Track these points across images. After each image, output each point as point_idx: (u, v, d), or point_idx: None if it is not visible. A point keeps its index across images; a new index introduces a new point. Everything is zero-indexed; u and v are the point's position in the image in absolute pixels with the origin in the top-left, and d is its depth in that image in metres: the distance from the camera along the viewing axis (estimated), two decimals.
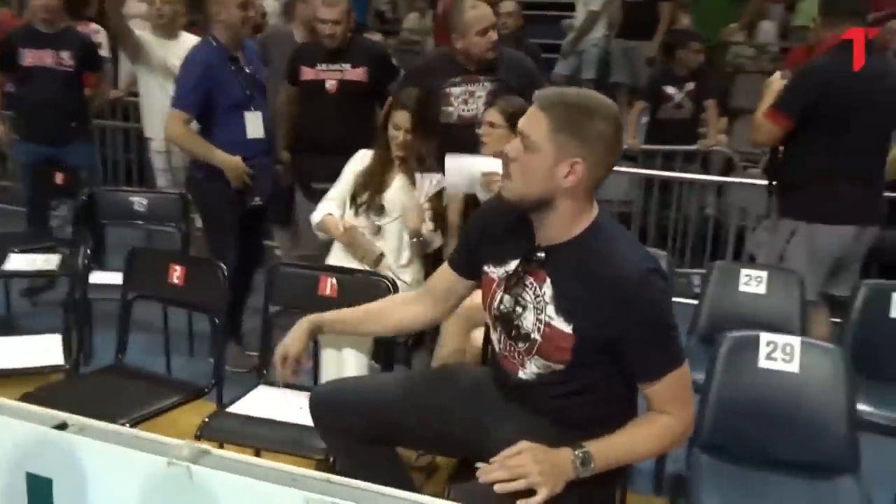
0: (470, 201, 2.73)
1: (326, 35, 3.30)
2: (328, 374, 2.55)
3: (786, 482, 1.87)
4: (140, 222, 3.40)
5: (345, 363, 2.51)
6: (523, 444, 1.52)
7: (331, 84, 3.35)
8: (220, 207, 3.10)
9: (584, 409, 1.63)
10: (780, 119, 2.82)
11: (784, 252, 2.86)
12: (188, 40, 3.67)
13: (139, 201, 3.33)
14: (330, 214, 2.83)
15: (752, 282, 2.69)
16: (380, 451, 1.83)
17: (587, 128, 1.50)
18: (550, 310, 1.57)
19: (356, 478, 1.72)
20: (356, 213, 2.80)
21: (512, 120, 2.60)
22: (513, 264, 1.65)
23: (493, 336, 1.77)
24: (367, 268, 2.71)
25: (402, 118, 2.75)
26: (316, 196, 3.32)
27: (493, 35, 2.97)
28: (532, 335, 1.60)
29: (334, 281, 2.30)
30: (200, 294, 2.31)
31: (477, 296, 2.08)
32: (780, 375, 1.97)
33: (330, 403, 1.82)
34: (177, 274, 2.31)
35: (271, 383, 2.32)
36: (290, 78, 3.45)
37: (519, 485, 1.45)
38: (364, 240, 2.76)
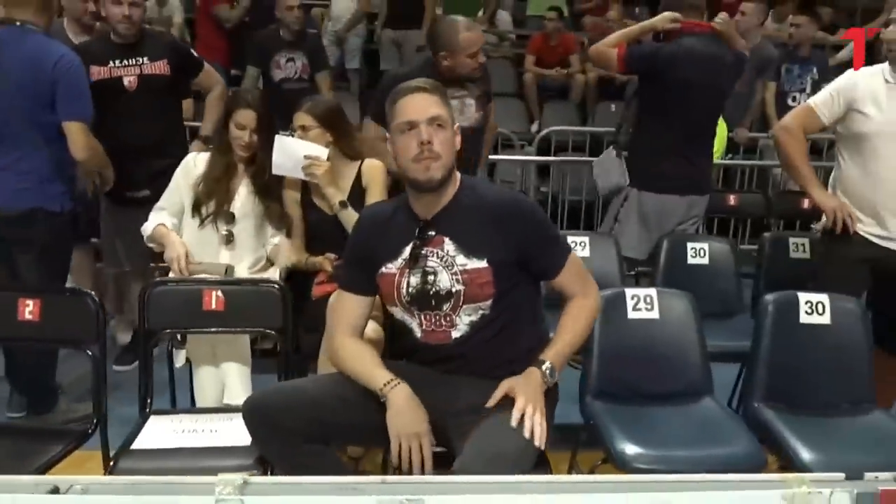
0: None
1: (120, 21, 3.02)
2: (208, 391, 2.43)
3: (666, 410, 2.21)
4: None
5: (227, 376, 2.41)
6: (507, 383, 1.76)
7: (129, 80, 3.08)
8: (67, 241, 2.77)
9: (515, 344, 1.86)
10: (621, 62, 3.14)
11: (618, 215, 3.26)
12: None
13: None
14: (162, 225, 2.64)
15: (578, 247, 3.04)
16: (318, 452, 1.82)
17: (445, 95, 1.86)
18: (461, 259, 1.81)
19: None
20: (201, 223, 2.63)
21: (322, 120, 2.68)
22: (407, 249, 1.84)
23: (412, 324, 1.88)
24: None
25: (246, 117, 2.64)
26: (130, 204, 3.07)
27: (482, 58, 2.96)
28: (454, 289, 1.81)
29: (219, 294, 2.18)
30: (66, 328, 2.05)
31: None
32: (646, 323, 2.31)
33: (267, 408, 1.78)
34: (29, 309, 2.03)
35: (160, 413, 2.15)
36: None
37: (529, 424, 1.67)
38: (205, 266, 2.57)
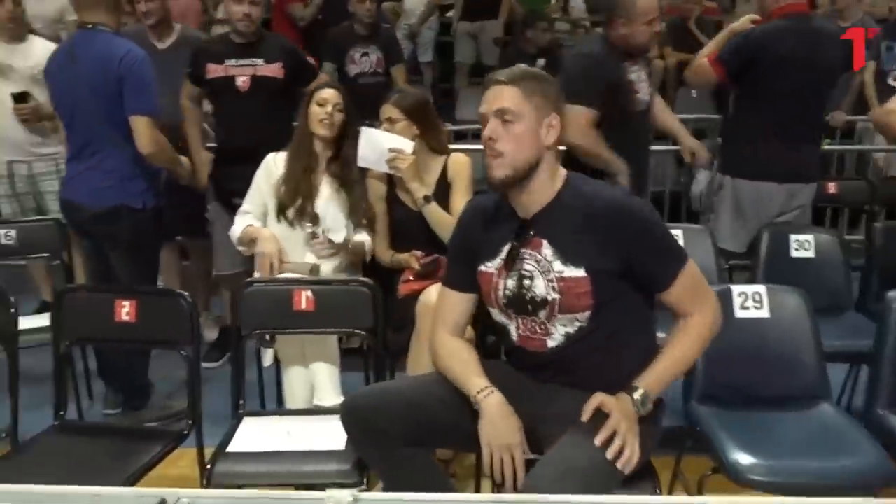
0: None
1: (240, 20, 3.02)
2: (298, 391, 2.41)
3: (779, 416, 2.06)
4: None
5: (317, 377, 2.38)
6: (600, 396, 1.63)
7: (242, 80, 3.07)
8: (153, 236, 2.80)
9: (617, 359, 1.72)
10: (716, 67, 2.99)
11: (714, 205, 3.10)
12: (37, 43, 3.23)
13: (6, 233, 2.87)
14: (250, 226, 2.63)
15: None
16: (415, 455, 1.77)
17: (548, 89, 1.71)
18: (558, 265, 1.68)
19: (396, 487, 1.68)
20: (290, 226, 2.59)
21: (409, 112, 2.61)
22: (506, 249, 1.74)
23: (510, 326, 1.79)
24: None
25: (328, 94, 2.61)
26: (235, 209, 3.06)
27: (657, 26, 2.89)
28: (549, 297, 1.69)
29: (310, 294, 2.14)
30: (162, 329, 2.05)
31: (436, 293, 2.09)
32: (755, 322, 2.16)
33: (364, 410, 1.73)
34: (125, 310, 2.03)
35: (253, 414, 2.14)
36: (192, 76, 3.14)
37: (618, 444, 1.57)
38: (291, 266, 2.55)
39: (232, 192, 2.98)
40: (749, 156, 3.04)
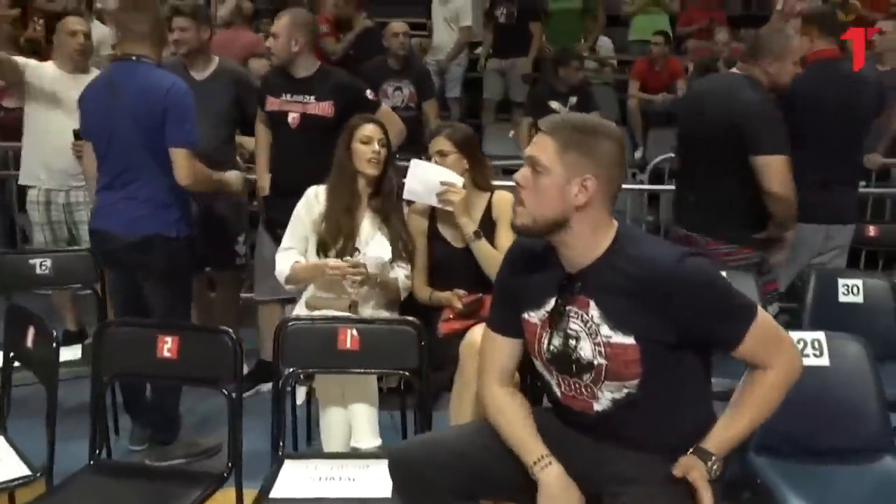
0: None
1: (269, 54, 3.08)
2: (335, 432, 2.34)
3: (842, 469, 1.98)
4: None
5: (355, 418, 2.32)
6: (683, 466, 1.54)
7: (293, 117, 3.07)
8: (186, 265, 2.76)
9: (668, 426, 1.63)
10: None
11: None
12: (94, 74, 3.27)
13: (41, 263, 2.84)
14: (298, 262, 2.58)
15: None
16: None
17: (593, 145, 1.56)
18: (605, 329, 1.57)
19: None
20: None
21: (461, 146, 2.57)
22: (551, 302, 1.64)
23: (551, 382, 1.71)
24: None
25: (371, 130, 2.58)
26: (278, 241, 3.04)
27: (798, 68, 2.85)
28: (595, 361, 1.59)
29: (355, 332, 2.08)
30: (204, 366, 2.00)
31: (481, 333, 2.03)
32: (816, 370, 2.08)
33: (413, 461, 1.66)
34: (168, 346, 1.98)
35: (293, 457, 2.07)
36: (260, 104, 3.20)
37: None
38: (329, 302, 2.52)
39: (277, 222, 2.98)
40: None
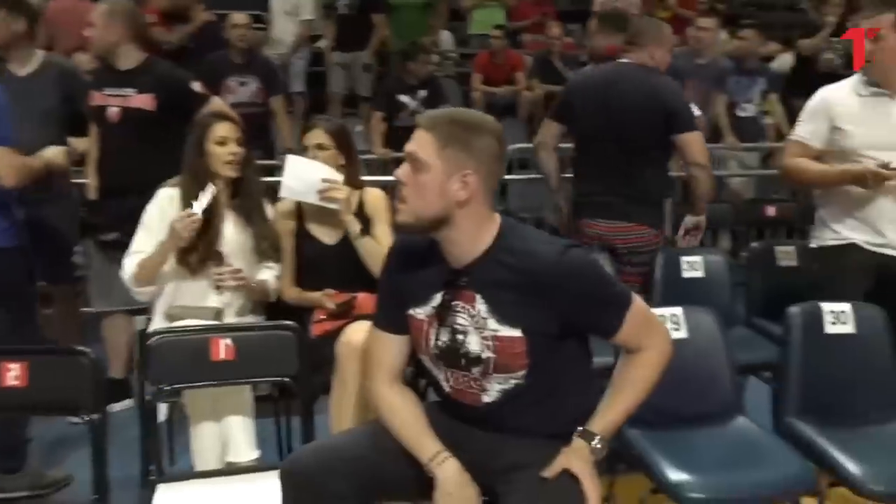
0: None
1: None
2: (208, 449, 2.21)
3: (702, 433, 2.13)
4: None
5: (231, 431, 2.21)
6: (563, 462, 1.57)
7: (113, 111, 2.86)
8: (19, 272, 2.46)
9: (556, 411, 1.67)
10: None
11: None
12: None
13: None
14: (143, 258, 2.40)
15: None
16: None
17: (472, 140, 1.56)
18: (492, 323, 1.59)
19: None
20: (192, 271, 2.40)
21: (338, 140, 2.52)
22: (437, 297, 1.65)
23: (440, 377, 1.72)
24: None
25: (226, 129, 2.44)
26: (105, 247, 2.82)
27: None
28: (483, 355, 1.61)
29: (229, 341, 1.97)
30: (59, 392, 1.81)
31: (357, 333, 2.02)
32: (675, 343, 2.23)
33: (310, 471, 1.60)
34: (14, 374, 1.78)
35: (167, 480, 1.93)
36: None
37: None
38: (193, 311, 2.36)
39: (100, 225, 2.79)
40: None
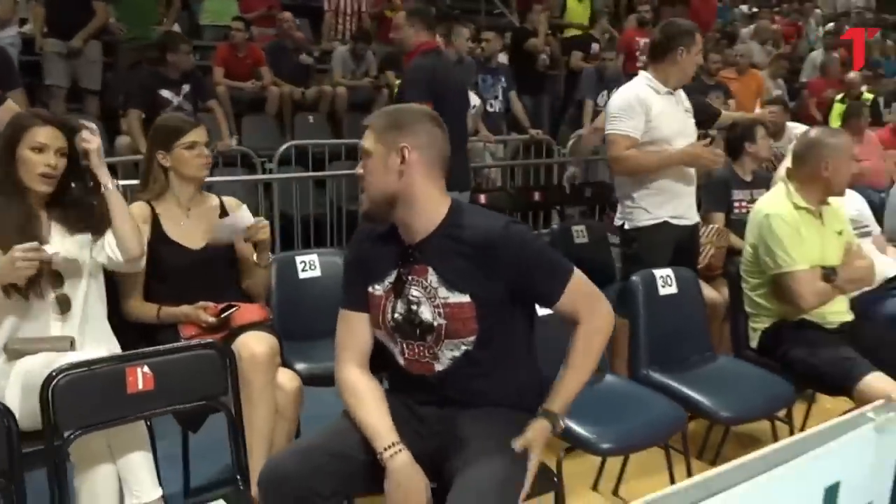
0: None
1: None
2: (106, 494, 1.94)
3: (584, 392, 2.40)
4: None
5: (131, 470, 1.95)
6: (523, 439, 1.69)
7: None
8: None
9: (503, 379, 1.81)
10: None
11: None
12: None
13: None
14: None
15: None
16: None
17: (405, 122, 1.74)
18: (443, 292, 1.73)
19: None
20: (25, 299, 2.03)
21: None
22: (393, 273, 1.79)
23: (395, 350, 1.82)
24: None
25: (46, 135, 2.09)
26: None
27: None
28: (435, 322, 1.75)
29: (146, 369, 1.74)
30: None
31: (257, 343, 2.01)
32: None
33: (291, 475, 1.61)
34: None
35: None
36: None
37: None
38: (48, 344, 2.04)
39: None
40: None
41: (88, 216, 2.20)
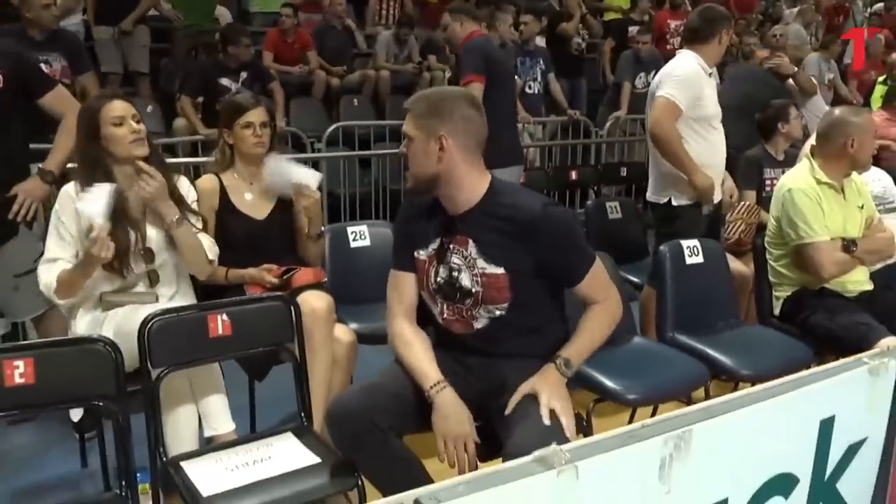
0: None
1: None
2: (185, 431, 2.19)
3: (615, 351, 2.58)
4: None
5: (210, 407, 2.22)
6: (525, 387, 1.85)
7: None
8: None
9: (535, 342, 1.98)
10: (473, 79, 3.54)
11: None
12: None
13: None
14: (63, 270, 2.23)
15: None
16: (402, 453, 1.88)
17: (442, 108, 1.87)
18: (481, 262, 1.91)
19: (387, 485, 1.81)
20: (124, 275, 2.28)
21: (272, 119, 2.66)
22: (437, 241, 1.97)
23: (435, 310, 2.01)
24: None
25: (122, 107, 2.30)
26: None
27: None
28: (473, 289, 1.93)
29: (224, 317, 2.00)
30: (74, 386, 1.72)
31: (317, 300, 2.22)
32: None
33: (357, 410, 1.80)
34: (19, 371, 1.66)
35: (185, 458, 1.92)
36: None
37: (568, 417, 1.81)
38: (135, 297, 2.29)
39: None
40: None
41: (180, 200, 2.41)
